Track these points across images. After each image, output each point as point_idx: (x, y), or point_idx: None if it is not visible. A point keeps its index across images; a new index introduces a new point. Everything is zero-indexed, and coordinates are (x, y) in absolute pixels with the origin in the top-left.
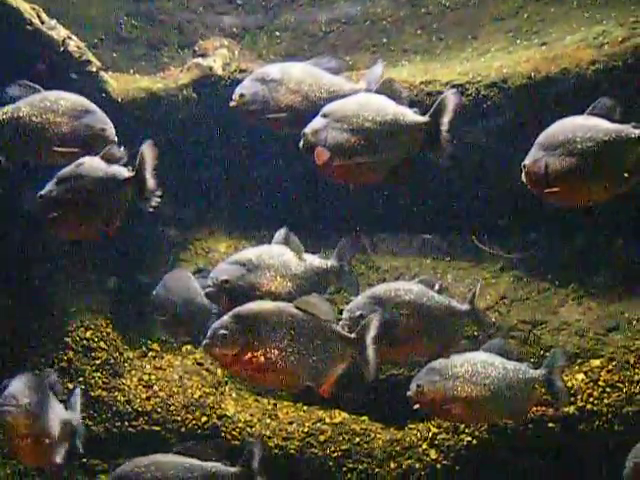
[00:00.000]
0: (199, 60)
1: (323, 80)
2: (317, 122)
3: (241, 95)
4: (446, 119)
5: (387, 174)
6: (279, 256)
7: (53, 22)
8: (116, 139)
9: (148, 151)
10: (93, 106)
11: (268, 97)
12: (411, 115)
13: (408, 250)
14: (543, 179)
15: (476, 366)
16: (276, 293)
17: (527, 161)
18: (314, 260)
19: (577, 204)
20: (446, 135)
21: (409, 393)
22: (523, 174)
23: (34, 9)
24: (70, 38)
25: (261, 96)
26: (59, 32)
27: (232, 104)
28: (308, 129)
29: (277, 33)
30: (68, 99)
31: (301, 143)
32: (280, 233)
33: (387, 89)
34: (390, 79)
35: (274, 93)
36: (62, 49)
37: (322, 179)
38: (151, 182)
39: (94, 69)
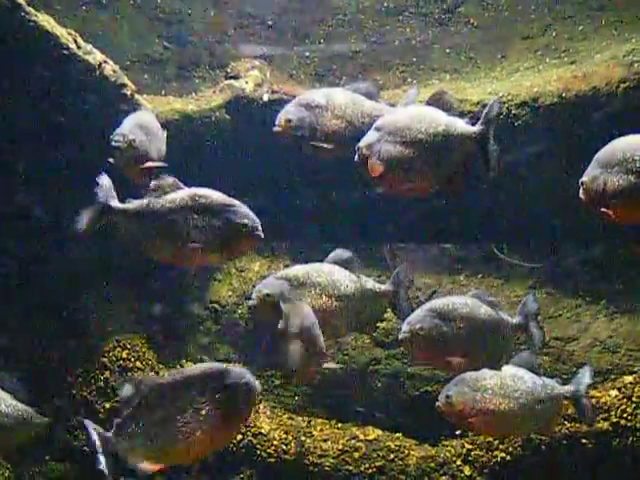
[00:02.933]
0: (231, 81)
1: (365, 106)
2: (371, 136)
3: (288, 120)
4: (493, 128)
5: (440, 184)
6: (328, 275)
7: (89, 47)
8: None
9: None
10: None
11: (315, 123)
12: (462, 125)
13: (437, 265)
14: (601, 196)
15: (505, 379)
16: (320, 312)
17: (585, 178)
18: (367, 282)
19: (636, 222)
20: (494, 145)
21: (438, 403)
22: (581, 191)
23: (70, 34)
24: (106, 62)
25: (308, 122)
26: (95, 57)
27: (277, 129)
28: (362, 143)
29: (307, 54)
30: None
31: (355, 157)
32: (336, 252)
33: (438, 101)
34: (441, 91)
35: (320, 119)
36: (98, 73)
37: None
38: None
39: (129, 92)
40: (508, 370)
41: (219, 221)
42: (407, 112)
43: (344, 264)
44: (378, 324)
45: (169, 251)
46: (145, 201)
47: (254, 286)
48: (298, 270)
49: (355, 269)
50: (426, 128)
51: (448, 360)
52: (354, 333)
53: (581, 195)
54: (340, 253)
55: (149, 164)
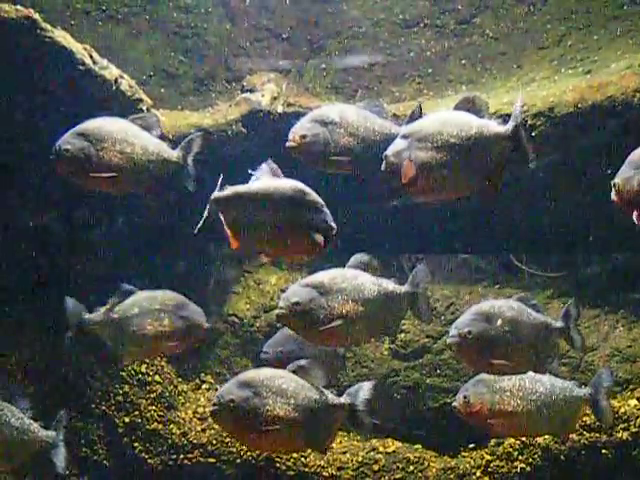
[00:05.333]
0: (247, 95)
1: (376, 123)
2: (398, 144)
3: (303, 136)
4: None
5: (476, 188)
6: (352, 280)
7: (105, 62)
8: None
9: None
10: None
11: (329, 139)
12: (495, 126)
13: (456, 275)
14: (635, 198)
15: (524, 381)
16: (347, 317)
17: (618, 179)
18: (388, 285)
19: None
20: (527, 138)
21: (455, 404)
22: (613, 192)
23: (86, 49)
24: (122, 77)
25: (322, 138)
26: (111, 71)
27: (291, 144)
28: (389, 151)
29: (323, 66)
30: None
31: (383, 166)
32: (356, 257)
33: (467, 105)
34: (471, 95)
35: (334, 135)
36: (114, 88)
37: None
38: None
39: (145, 107)
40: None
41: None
42: (436, 117)
43: (364, 268)
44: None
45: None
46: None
47: (272, 298)
48: (323, 276)
49: (375, 273)
50: (458, 132)
51: (495, 363)
52: (377, 337)
53: (613, 197)
54: (360, 257)
55: (95, 174)
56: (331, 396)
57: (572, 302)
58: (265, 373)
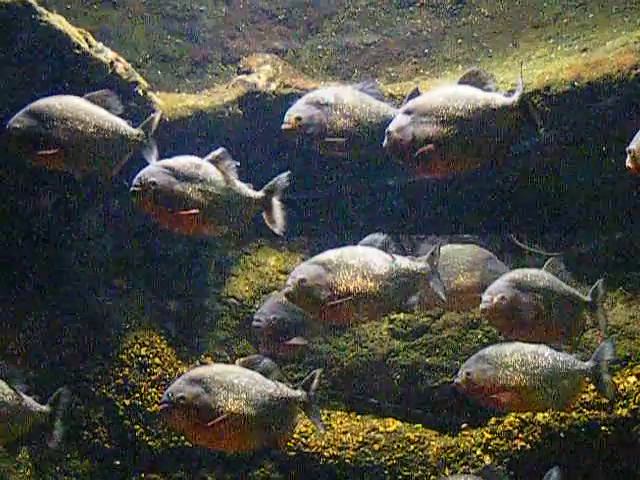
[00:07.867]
0: (244, 77)
1: (372, 105)
2: (401, 119)
3: (298, 118)
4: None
5: (484, 160)
6: (362, 256)
7: (100, 45)
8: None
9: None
10: None
11: (324, 121)
12: (501, 98)
13: None
14: None
15: (526, 356)
16: (355, 293)
17: (633, 146)
18: (403, 262)
19: None
20: (534, 107)
21: (457, 380)
22: (628, 158)
23: (82, 33)
24: (118, 60)
25: (317, 120)
26: (107, 55)
27: (287, 127)
28: (392, 127)
29: (319, 47)
30: None
31: (385, 142)
32: (371, 236)
33: (472, 79)
34: (475, 70)
35: (329, 117)
36: (110, 71)
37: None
38: None
39: (142, 90)
40: (528, 346)
41: None
42: (440, 92)
43: (379, 247)
44: (395, 315)
45: None
46: None
47: (271, 279)
48: (331, 254)
49: (391, 251)
50: (464, 105)
51: (526, 330)
52: (390, 313)
53: (628, 163)
54: (375, 237)
55: (44, 152)
56: (286, 389)
57: (601, 281)
58: (216, 369)
